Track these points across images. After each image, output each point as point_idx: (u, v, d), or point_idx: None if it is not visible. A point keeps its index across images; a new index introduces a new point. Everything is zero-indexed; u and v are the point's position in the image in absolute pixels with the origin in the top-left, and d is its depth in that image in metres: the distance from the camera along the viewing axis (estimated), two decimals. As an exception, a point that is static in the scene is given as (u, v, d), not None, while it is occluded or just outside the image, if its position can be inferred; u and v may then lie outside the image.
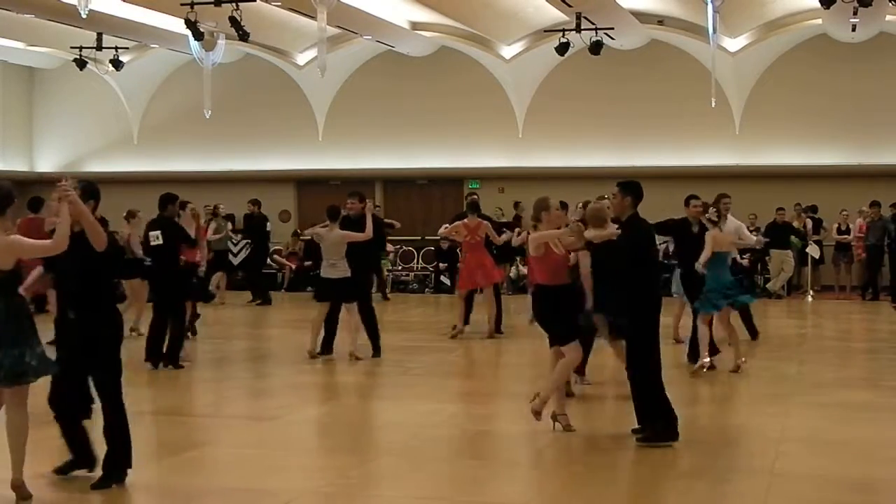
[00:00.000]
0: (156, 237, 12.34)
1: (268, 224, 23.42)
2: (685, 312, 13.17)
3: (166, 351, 12.26)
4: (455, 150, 25.75)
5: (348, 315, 13.12)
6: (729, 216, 12.15)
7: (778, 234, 20.92)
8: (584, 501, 6.97)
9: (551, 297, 8.56)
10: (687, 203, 12.08)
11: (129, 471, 6.94)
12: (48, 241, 6.68)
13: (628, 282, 8.21)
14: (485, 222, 15.16)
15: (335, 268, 12.83)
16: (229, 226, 22.32)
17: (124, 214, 15.49)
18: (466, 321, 15.40)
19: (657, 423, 8.05)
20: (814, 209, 23.21)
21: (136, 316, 14.91)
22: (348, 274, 12.85)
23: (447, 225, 15.85)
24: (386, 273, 23.16)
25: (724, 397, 10.62)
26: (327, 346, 13.28)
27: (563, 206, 12.72)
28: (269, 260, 24.22)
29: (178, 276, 12.73)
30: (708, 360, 11.52)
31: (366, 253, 13.32)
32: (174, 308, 12.37)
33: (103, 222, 7.24)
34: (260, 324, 18.87)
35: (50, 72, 28.06)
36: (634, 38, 24.01)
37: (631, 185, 8.34)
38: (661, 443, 7.99)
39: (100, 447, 7.01)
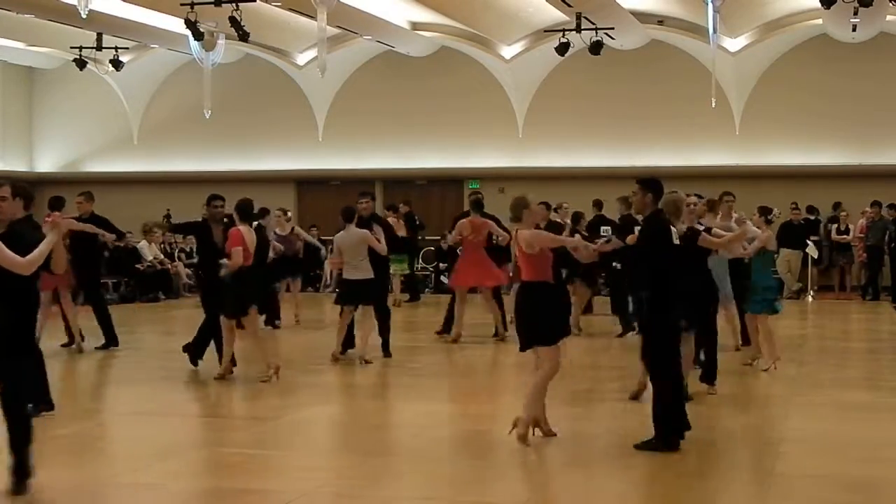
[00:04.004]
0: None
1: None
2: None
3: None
4: (455, 150, 25.76)
5: (364, 317, 12.96)
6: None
7: (793, 233, 20.82)
8: (584, 501, 6.97)
9: (536, 294, 8.29)
10: None
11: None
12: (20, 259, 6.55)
13: (645, 279, 8.13)
14: (489, 221, 14.98)
15: (358, 269, 12.55)
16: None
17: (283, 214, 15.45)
18: (347, 347, 13.15)
19: (664, 430, 7.87)
20: (814, 209, 23.24)
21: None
22: (371, 275, 12.60)
23: (448, 232, 15.78)
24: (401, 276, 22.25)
25: (725, 397, 10.59)
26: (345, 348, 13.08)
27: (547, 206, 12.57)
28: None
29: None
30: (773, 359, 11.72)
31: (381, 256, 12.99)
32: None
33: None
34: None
35: (50, 72, 28.06)
36: (634, 38, 24.01)
37: (651, 181, 8.33)
38: (658, 451, 7.80)
39: None
